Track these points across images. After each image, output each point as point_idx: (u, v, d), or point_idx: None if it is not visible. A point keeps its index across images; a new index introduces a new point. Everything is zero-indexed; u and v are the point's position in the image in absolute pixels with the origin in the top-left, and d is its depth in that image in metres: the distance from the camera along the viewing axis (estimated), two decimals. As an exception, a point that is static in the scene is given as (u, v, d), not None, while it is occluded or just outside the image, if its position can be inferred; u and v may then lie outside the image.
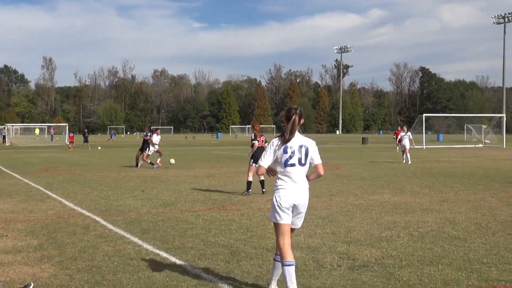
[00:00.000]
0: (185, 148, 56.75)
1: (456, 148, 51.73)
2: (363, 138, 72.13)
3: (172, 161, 28.57)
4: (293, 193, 6.26)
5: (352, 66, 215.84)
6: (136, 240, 9.50)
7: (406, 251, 8.58)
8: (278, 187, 6.31)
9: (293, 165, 6.28)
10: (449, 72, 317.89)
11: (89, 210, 13.02)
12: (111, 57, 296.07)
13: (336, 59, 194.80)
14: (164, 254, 8.42)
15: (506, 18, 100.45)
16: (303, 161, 6.32)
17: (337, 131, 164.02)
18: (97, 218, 11.76)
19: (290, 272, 6.07)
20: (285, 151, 6.28)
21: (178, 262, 7.95)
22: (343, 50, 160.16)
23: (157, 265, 7.77)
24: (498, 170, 25.10)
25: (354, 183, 19.09)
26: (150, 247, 8.91)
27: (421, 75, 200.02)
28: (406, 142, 30.94)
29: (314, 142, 6.46)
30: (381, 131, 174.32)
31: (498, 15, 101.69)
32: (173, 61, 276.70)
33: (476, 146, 57.07)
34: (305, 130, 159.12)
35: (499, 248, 8.75)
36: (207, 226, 10.83)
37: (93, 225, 10.93)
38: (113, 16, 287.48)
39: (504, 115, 67.94)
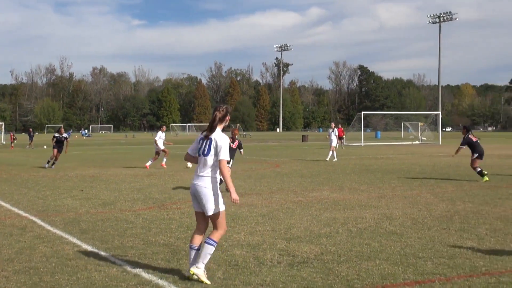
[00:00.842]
0: (125, 146, 56.08)
1: (394, 145, 52.81)
2: (303, 136, 72.84)
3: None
4: (192, 182, 7.02)
5: (292, 64, 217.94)
6: (74, 240, 9.35)
7: (345, 247, 8.73)
8: None
9: (199, 155, 6.99)
10: (387, 70, 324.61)
11: (26, 210, 12.73)
12: (48, 55, 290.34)
13: (276, 57, 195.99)
14: (103, 254, 8.32)
15: (441, 18, 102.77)
16: (205, 152, 6.88)
17: (278, 129, 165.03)
18: (35, 219, 11.51)
19: (191, 254, 7.01)
20: (198, 142, 7.05)
21: (118, 262, 7.87)
22: (283, 48, 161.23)
23: (96, 265, 7.67)
24: (434, 166, 25.76)
25: (294, 181, 19.27)
26: (89, 247, 8.79)
27: (359, 73, 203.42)
28: (333, 139, 31.01)
29: (224, 138, 6.88)
30: (321, 129, 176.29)
31: (433, 15, 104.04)
32: (112, 59, 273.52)
33: (413, 143, 58.40)
34: (246, 128, 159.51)
35: (434, 243, 9.00)
36: (147, 225, 10.75)
37: (30, 226, 10.70)
38: (49, 12, 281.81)
39: (440, 112, 69.71)
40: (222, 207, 6.95)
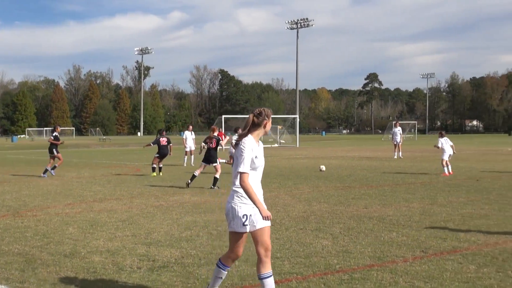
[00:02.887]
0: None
1: (254, 148, 53.74)
2: (165, 140, 72.24)
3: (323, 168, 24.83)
4: None
5: (153, 67, 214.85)
6: None
7: (205, 250, 8.80)
8: None
9: None
10: (247, 74, 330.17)
11: None
12: None
13: (137, 61, 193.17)
14: (-50, 267, 7.81)
15: (299, 24, 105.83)
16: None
17: (139, 133, 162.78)
18: None
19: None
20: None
21: (-33, 274, 7.43)
22: (144, 51, 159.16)
23: None
24: (291, 168, 26.57)
25: (155, 185, 19.12)
26: None
27: (220, 77, 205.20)
28: (190, 143, 30.39)
29: (242, 144, 5.90)
30: (182, 133, 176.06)
31: (291, 21, 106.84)
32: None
33: (272, 146, 59.83)
34: (105, 133, 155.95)
35: (291, 243, 9.29)
36: (0, 234, 10.24)
37: None
38: None
39: (297, 116, 71.70)
40: (242, 228, 5.93)
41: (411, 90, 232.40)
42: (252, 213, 5.88)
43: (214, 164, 18.51)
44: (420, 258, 8.14)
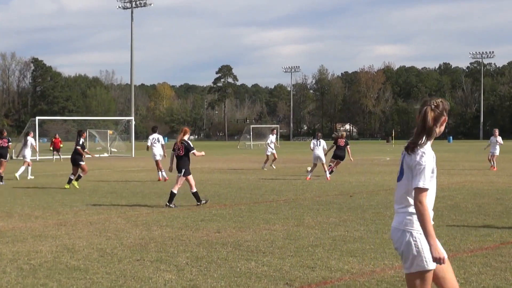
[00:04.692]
0: None
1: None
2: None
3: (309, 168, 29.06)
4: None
5: None
6: None
7: (14, 291, 8.52)
8: None
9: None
10: (68, 65, 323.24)
11: None
12: None
13: None
14: None
15: (134, 2, 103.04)
16: (398, 175, 5.74)
17: None
18: None
19: None
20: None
21: None
22: None
23: None
24: (125, 183, 26.33)
25: None
26: None
27: (33, 68, 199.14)
28: (25, 153, 31.13)
29: (420, 149, 5.53)
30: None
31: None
32: None
33: (101, 156, 58.98)
34: None
35: (126, 278, 9.21)
36: None
37: None
38: None
39: (133, 118, 71.20)
40: (427, 265, 5.54)
41: (272, 87, 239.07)
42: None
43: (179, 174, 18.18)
44: (284, 292, 8.34)
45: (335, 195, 21.19)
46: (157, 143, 28.52)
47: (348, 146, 29.76)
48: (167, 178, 27.50)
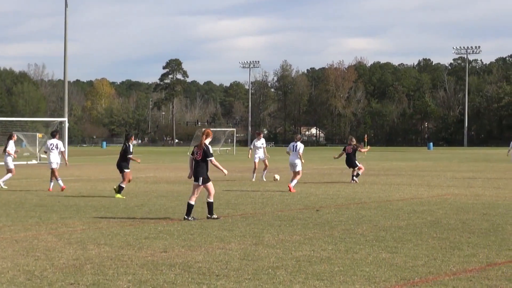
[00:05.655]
0: None
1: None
2: None
3: (277, 177, 32.44)
4: None
5: None
6: None
7: None
8: None
9: None
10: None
11: None
12: None
13: None
14: None
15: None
16: None
17: None
18: None
19: None
20: None
21: None
22: None
23: None
24: (57, 195, 26.09)
25: None
26: None
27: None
28: None
29: None
30: None
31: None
32: None
33: (28, 162, 58.34)
34: None
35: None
36: None
37: None
38: None
39: (66, 119, 70.53)
40: None
41: (228, 84, 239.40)
42: None
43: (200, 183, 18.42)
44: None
45: (299, 209, 21.25)
46: (55, 150, 28.89)
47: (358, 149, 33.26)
48: (64, 186, 28.39)
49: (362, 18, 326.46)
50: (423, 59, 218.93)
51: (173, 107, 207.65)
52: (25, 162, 57.41)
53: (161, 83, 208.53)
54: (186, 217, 18.31)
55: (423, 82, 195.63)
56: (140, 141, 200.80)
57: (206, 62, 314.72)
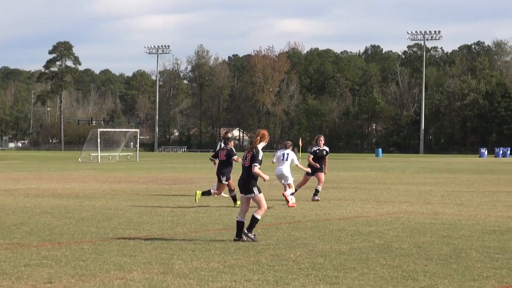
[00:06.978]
0: None
1: None
2: None
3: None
4: None
5: None
6: None
7: None
8: None
9: None
10: None
11: None
12: None
13: None
14: None
15: None
16: None
17: None
18: None
19: None
20: None
21: None
22: None
23: None
24: None
25: None
26: None
27: None
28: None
29: None
30: None
31: None
32: None
33: None
34: None
35: None
36: None
37: None
38: None
39: None
40: None
41: (130, 74, 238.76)
42: None
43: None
44: None
45: (218, 229, 21.32)
46: None
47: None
48: None
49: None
50: (371, 45, 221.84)
51: (61, 101, 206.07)
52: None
53: (47, 71, 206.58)
54: (246, 235, 18.67)
55: (371, 74, 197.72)
56: (19, 143, 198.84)
57: (103, 46, 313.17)
